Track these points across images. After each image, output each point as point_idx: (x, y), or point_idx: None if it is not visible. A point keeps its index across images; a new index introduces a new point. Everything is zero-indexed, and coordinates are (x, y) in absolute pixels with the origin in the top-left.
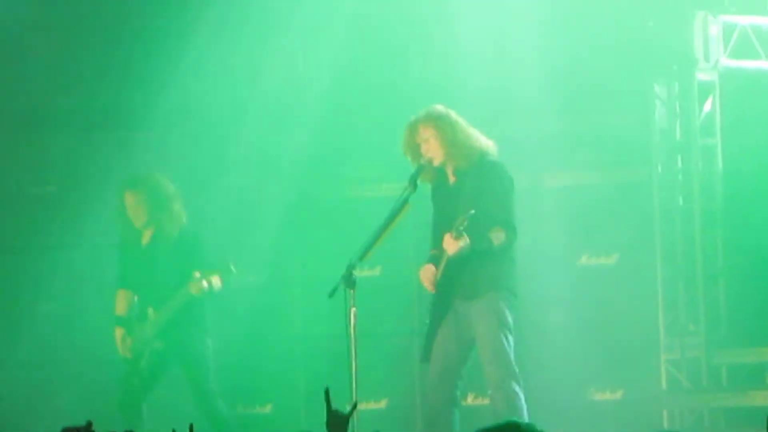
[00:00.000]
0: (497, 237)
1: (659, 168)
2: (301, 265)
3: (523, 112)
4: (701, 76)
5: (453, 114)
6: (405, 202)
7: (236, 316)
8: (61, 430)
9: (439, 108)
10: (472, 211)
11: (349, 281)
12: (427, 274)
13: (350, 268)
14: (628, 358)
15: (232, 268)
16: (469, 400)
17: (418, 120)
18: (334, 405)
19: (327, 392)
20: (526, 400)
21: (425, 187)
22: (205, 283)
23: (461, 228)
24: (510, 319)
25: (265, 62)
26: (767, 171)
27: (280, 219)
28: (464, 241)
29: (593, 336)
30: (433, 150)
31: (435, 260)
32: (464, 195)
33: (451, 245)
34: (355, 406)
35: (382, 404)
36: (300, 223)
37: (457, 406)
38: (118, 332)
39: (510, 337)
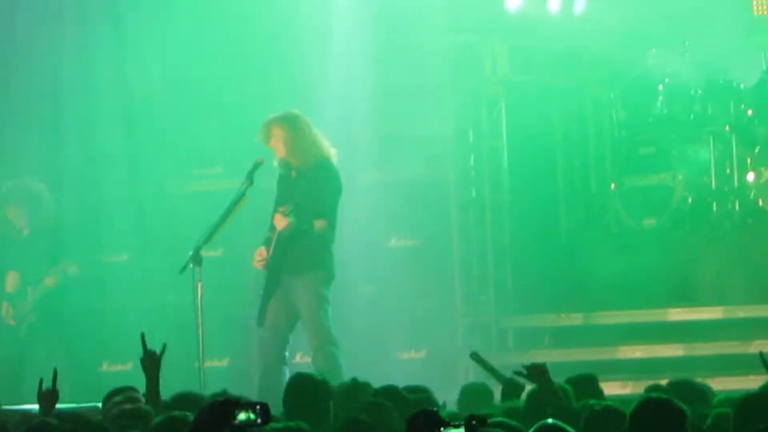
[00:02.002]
0: (319, 224)
1: (455, 166)
2: (157, 247)
3: (348, 119)
4: (489, 89)
5: (303, 120)
6: (243, 194)
7: (105, 290)
8: None
9: (293, 113)
10: (297, 199)
11: (197, 260)
12: (259, 254)
13: (197, 249)
14: (431, 324)
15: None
16: (297, 358)
17: (272, 120)
18: (185, 361)
19: (142, 336)
20: (343, 360)
21: (259, 183)
22: (49, 281)
23: (289, 209)
24: (327, 294)
25: (115, 66)
26: (544, 166)
27: (140, 210)
28: (290, 220)
29: (401, 306)
30: (278, 147)
31: (268, 241)
32: (300, 188)
33: (281, 222)
34: (164, 347)
35: (225, 362)
36: (155, 213)
37: (286, 364)
38: (5, 305)
39: (328, 309)
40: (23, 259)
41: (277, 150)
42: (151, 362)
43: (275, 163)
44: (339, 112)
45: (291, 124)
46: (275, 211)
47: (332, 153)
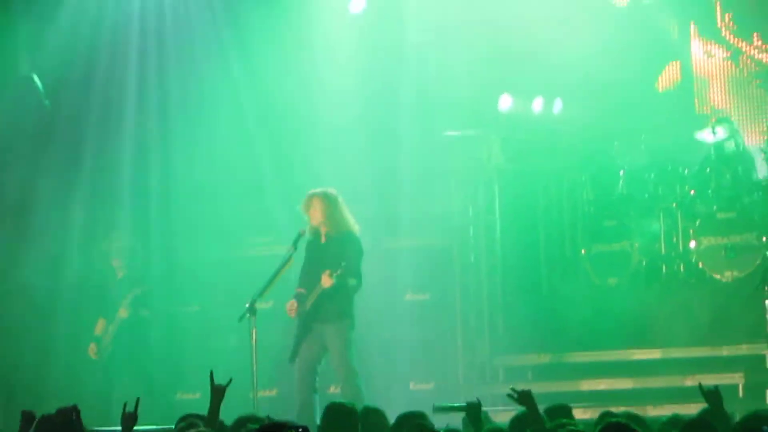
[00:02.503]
0: (351, 281)
1: (458, 236)
2: (221, 300)
3: (371, 198)
4: (485, 174)
5: (338, 198)
6: (289, 258)
7: (179, 334)
8: (56, 411)
9: (331, 191)
10: (344, 264)
11: (252, 310)
12: (291, 306)
13: (253, 302)
14: (437, 361)
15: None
16: (330, 390)
17: (315, 194)
18: (242, 391)
19: (211, 373)
20: (366, 390)
21: (301, 249)
22: (122, 313)
23: (338, 271)
24: (353, 338)
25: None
26: (529, 235)
27: (209, 269)
28: (334, 279)
29: (413, 347)
30: (315, 216)
31: (299, 297)
32: (330, 253)
33: (327, 281)
34: (230, 381)
35: (274, 392)
36: (221, 272)
37: (317, 393)
38: (92, 346)
39: (352, 348)
40: (113, 305)
41: (314, 218)
42: (216, 393)
43: (306, 230)
44: (365, 194)
45: (329, 199)
46: (307, 272)
47: (357, 228)
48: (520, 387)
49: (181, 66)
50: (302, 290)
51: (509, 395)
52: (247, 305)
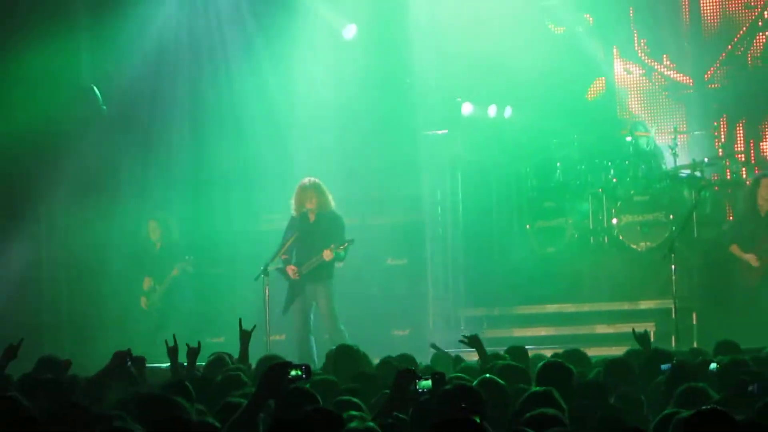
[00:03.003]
0: (341, 253)
1: (429, 213)
2: (242, 263)
3: (360, 184)
4: (451, 164)
5: (323, 186)
6: (294, 234)
7: (208, 290)
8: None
9: (317, 180)
10: (352, 239)
11: (265, 272)
12: (292, 270)
13: (266, 264)
14: (413, 312)
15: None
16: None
17: (312, 185)
18: (258, 335)
19: (240, 321)
20: (349, 336)
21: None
22: (175, 272)
23: (341, 248)
24: (334, 291)
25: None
26: (485, 214)
27: (231, 240)
28: (334, 254)
29: (393, 300)
30: (311, 202)
31: (298, 262)
32: (321, 229)
33: (329, 254)
34: (254, 327)
35: (283, 336)
36: (241, 242)
37: (312, 334)
38: (143, 299)
39: (335, 300)
40: (155, 267)
41: (308, 203)
42: (245, 336)
43: (294, 210)
44: (356, 181)
45: (318, 187)
46: (300, 244)
47: (334, 204)
48: (472, 333)
49: (214, 74)
50: (286, 256)
51: (461, 340)
52: (261, 267)
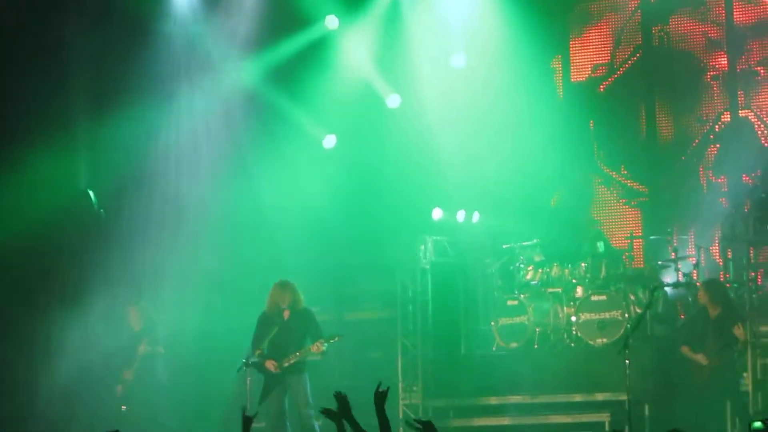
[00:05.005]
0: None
1: (401, 310)
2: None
3: (339, 282)
4: (421, 266)
5: (295, 285)
6: (276, 328)
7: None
8: None
9: (291, 283)
10: (342, 334)
11: (247, 364)
12: (273, 364)
13: (247, 357)
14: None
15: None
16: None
17: (281, 284)
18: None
19: (243, 409)
20: (321, 427)
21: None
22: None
23: (332, 341)
24: (309, 383)
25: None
26: (452, 312)
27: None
28: (324, 349)
29: (366, 391)
30: (284, 300)
31: (278, 356)
32: (296, 325)
33: (320, 348)
34: (256, 414)
35: (263, 425)
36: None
37: (288, 422)
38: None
39: (310, 392)
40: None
41: (282, 301)
42: (247, 422)
43: (268, 307)
44: (335, 280)
45: (291, 287)
46: (276, 341)
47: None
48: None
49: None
50: (260, 351)
51: (411, 425)
52: (243, 360)
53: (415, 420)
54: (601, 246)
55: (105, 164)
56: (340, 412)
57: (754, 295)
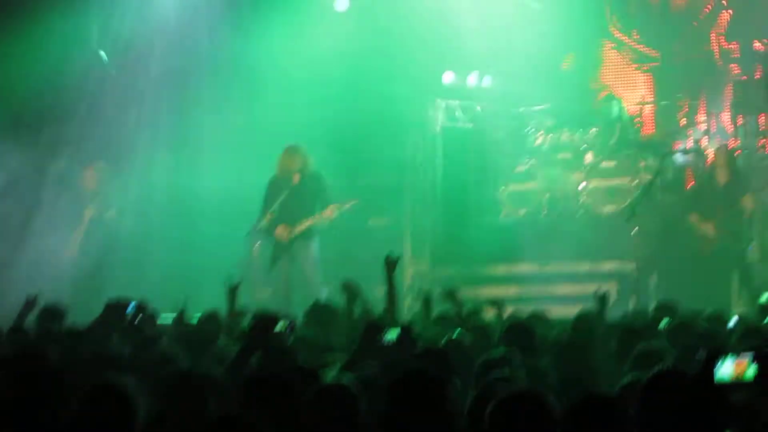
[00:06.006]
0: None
1: (410, 177)
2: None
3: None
4: (433, 129)
5: (305, 149)
6: (283, 196)
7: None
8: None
9: (300, 147)
10: (356, 200)
11: (255, 231)
12: (283, 230)
13: (255, 224)
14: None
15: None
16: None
17: (295, 149)
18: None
19: (228, 277)
20: (328, 293)
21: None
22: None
23: (344, 207)
24: (318, 250)
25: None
26: (463, 177)
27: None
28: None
29: (373, 258)
30: (294, 164)
31: (290, 221)
32: (306, 190)
33: (333, 212)
34: (239, 282)
35: (269, 291)
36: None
37: (293, 291)
38: None
39: (318, 259)
40: None
41: (292, 165)
42: (232, 290)
43: (278, 172)
44: (347, 144)
45: (302, 150)
46: (287, 206)
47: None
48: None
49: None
50: (270, 216)
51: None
52: (252, 226)
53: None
54: (613, 111)
55: (116, 23)
56: (387, 273)
57: (764, 163)
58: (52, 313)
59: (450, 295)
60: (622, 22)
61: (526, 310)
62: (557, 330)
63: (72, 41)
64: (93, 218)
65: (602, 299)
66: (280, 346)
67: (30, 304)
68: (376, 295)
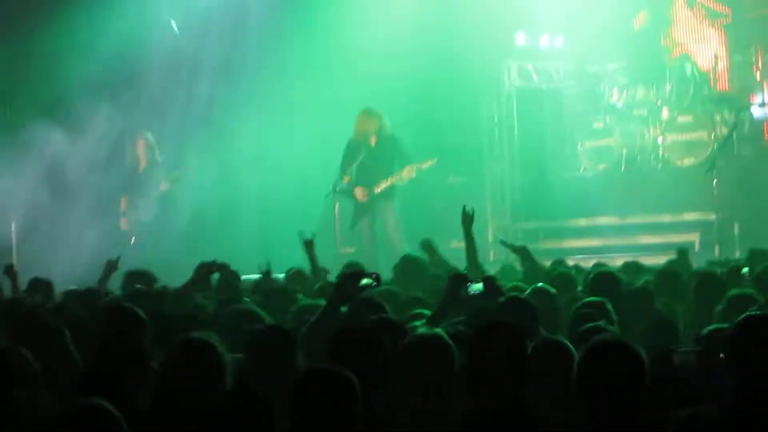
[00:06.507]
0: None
1: (486, 136)
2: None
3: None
4: (507, 90)
5: (382, 112)
6: (360, 158)
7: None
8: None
9: (376, 109)
10: (435, 159)
11: (335, 191)
12: (362, 192)
13: (334, 184)
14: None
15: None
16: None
17: (370, 111)
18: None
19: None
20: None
21: None
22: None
23: (424, 166)
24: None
25: None
26: (538, 135)
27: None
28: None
29: (455, 215)
30: (373, 126)
31: (352, 184)
32: (383, 151)
33: (410, 173)
34: (313, 237)
35: (353, 249)
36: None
37: (380, 248)
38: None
39: (400, 217)
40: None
41: (369, 127)
42: (308, 245)
43: (356, 134)
44: (426, 107)
45: (377, 113)
46: (364, 167)
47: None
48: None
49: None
50: (348, 177)
51: (506, 244)
52: (330, 187)
53: (509, 244)
54: (687, 67)
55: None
56: (465, 227)
57: None
58: (139, 276)
59: (426, 245)
60: None
61: (609, 260)
62: (644, 278)
63: (144, 11)
64: (177, 184)
65: (682, 252)
66: (367, 299)
67: (111, 266)
68: (456, 249)
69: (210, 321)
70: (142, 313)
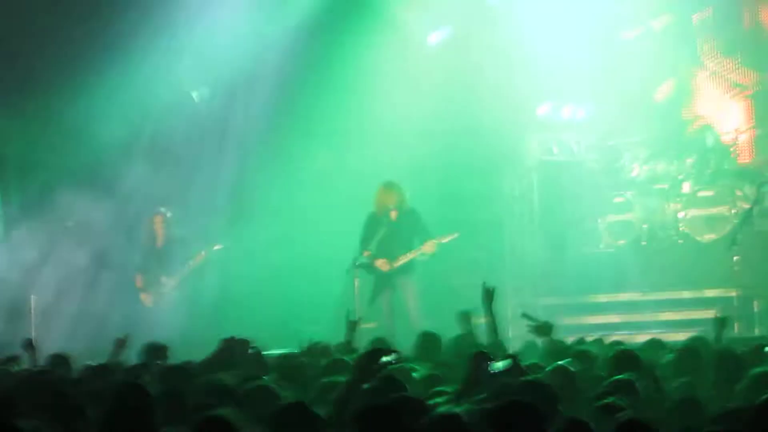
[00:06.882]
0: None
1: (507, 210)
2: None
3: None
4: (528, 163)
5: (402, 186)
6: (382, 232)
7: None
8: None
9: (396, 183)
10: (456, 233)
11: (356, 265)
12: (383, 263)
13: (355, 258)
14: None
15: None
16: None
17: (391, 186)
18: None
19: (347, 313)
20: (431, 325)
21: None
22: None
23: (445, 241)
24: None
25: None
26: (554, 210)
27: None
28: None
29: (474, 289)
30: (391, 200)
31: (389, 256)
32: (404, 225)
33: (432, 248)
34: (359, 318)
35: (374, 325)
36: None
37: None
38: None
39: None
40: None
41: (389, 201)
42: (352, 325)
43: (377, 208)
44: (446, 179)
45: (398, 186)
46: (385, 241)
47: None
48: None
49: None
50: (369, 252)
51: (529, 318)
52: (352, 261)
53: (532, 318)
54: (708, 141)
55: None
56: (486, 303)
57: None
58: (154, 350)
59: (465, 317)
60: (715, 50)
61: (629, 336)
62: (666, 355)
63: (160, 81)
64: (204, 260)
65: (722, 321)
66: (388, 376)
67: (120, 344)
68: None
69: (233, 397)
70: (151, 391)
